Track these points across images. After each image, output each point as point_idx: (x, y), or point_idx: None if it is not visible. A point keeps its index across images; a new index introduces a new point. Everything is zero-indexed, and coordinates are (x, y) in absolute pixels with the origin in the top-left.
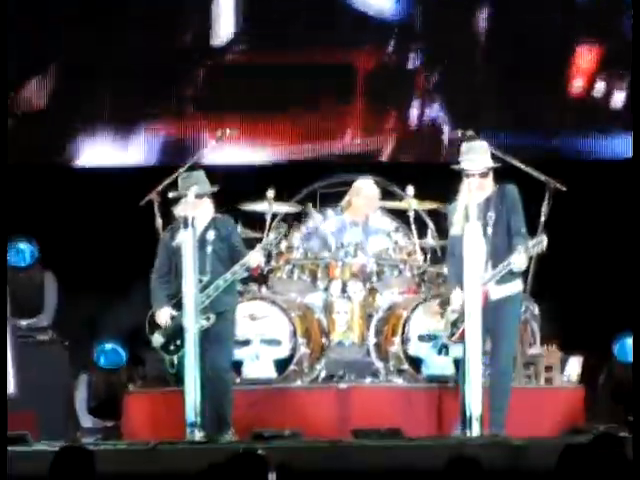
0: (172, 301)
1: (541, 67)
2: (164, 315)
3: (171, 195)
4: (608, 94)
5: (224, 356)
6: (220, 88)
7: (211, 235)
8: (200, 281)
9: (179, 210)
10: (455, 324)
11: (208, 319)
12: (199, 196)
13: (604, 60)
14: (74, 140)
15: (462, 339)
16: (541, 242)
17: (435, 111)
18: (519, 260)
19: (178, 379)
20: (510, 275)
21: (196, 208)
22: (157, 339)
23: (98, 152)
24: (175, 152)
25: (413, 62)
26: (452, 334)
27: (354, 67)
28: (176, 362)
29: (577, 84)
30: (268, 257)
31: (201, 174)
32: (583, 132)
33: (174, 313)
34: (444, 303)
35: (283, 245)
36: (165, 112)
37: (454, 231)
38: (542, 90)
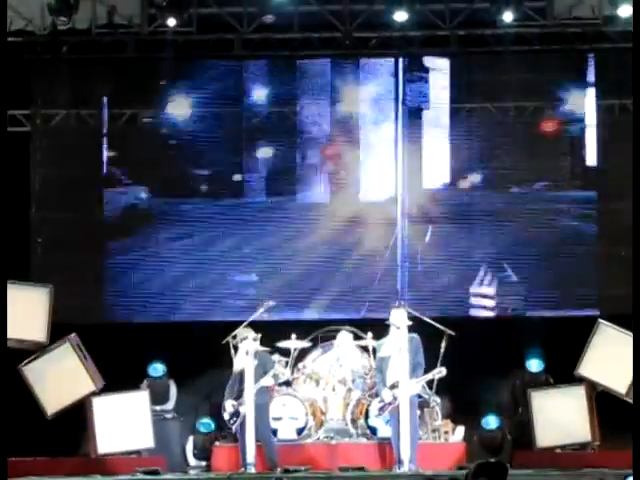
0: (234, 396)
1: None
2: (229, 405)
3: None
4: None
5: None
6: None
7: (256, 362)
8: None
9: (242, 346)
10: (382, 408)
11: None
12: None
13: None
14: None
15: (385, 415)
16: (440, 372)
17: None
18: (417, 384)
19: (236, 438)
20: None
21: (252, 346)
22: (225, 416)
23: None
24: None
25: None
26: (379, 414)
27: None
28: (234, 429)
29: None
30: (292, 371)
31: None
32: None
33: (235, 403)
34: (373, 397)
35: (300, 364)
36: None
37: (382, 354)
38: None
